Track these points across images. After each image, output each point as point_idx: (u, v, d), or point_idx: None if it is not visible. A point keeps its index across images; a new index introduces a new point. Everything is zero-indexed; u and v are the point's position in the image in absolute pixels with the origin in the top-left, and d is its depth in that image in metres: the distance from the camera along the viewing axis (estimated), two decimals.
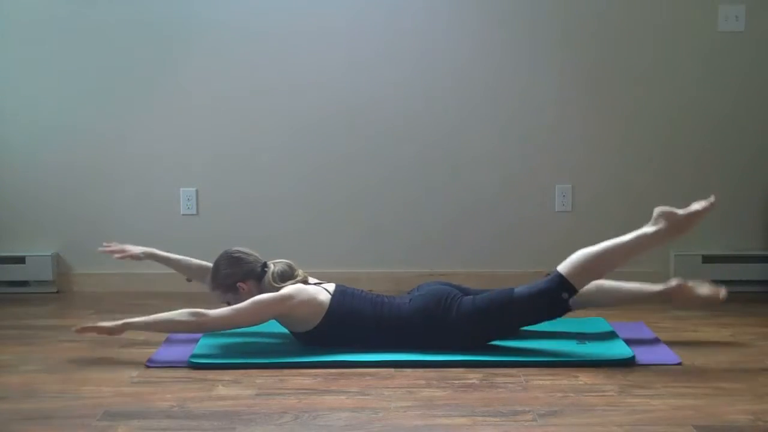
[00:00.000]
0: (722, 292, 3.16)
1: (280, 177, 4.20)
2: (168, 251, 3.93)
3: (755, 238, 4.18)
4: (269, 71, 4.15)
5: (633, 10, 4.09)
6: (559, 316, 3.01)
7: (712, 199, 3.01)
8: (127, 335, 3.31)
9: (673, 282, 3.20)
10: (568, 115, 4.16)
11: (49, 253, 4.20)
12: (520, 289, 2.99)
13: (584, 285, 2.99)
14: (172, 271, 4.13)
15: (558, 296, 2.95)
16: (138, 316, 3.02)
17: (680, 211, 2.99)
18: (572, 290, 2.95)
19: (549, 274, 2.99)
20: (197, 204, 4.22)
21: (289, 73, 4.14)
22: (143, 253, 3.37)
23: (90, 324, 3.01)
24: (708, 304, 3.23)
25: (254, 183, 4.21)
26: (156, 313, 3.03)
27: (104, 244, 3.43)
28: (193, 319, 2.95)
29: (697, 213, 3.00)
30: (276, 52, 4.14)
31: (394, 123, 4.17)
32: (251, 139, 4.18)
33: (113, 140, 4.19)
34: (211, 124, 4.18)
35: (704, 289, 3.18)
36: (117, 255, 3.38)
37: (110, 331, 2.98)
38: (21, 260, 4.19)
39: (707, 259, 4.13)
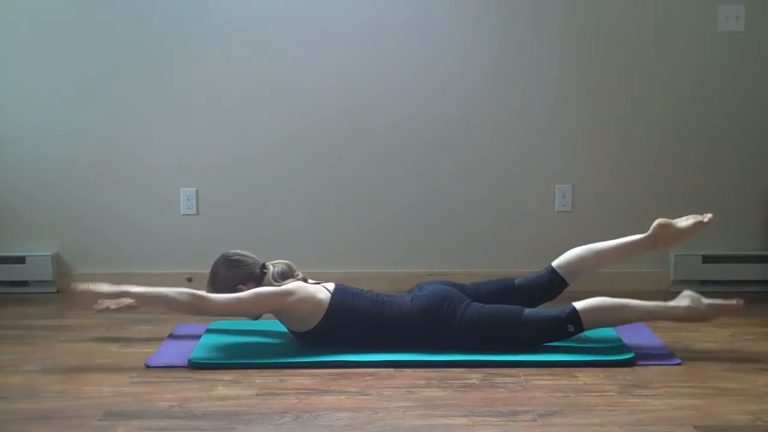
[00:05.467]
0: (707, 215, 3.15)
1: (280, 177, 4.20)
2: (168, 251, 3.95)
3: (755, 238, 4.18)
4: (269, 71, 4.15)
5: (633, 10, 4.09)
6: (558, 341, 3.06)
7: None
8: (128, 334, 3.32)
9: (655, 224, 3.18)
10: (568, 115, 4.16)
11: (49, 253, 4.20)
12: (529, 311, 3.01)
13: (591, 328, 3.02)
14: (170, 271, 4.16)
15: (564, 327, 2.99)
16: (139, 286, 2.93)
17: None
18: (579, 327, 2.99)
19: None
20: (197, 204, 4.22)
21: (289, 73, 4.14)
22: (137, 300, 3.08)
23: (90, 285, 2.92)
24: (695, 234, 3.20)
25: (254, 183, 4.21)
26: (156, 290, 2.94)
27: (99, 301, 3.20)
28: (192, 300, 2.89)
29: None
30: (276, 53, 4.14)
31: (394, 123, 4.17)
32: (251, 139, 4.18)
33: (113, 140, 4.19)
34: (211, 124, 4.18)
35: (689, 221, 3.17)
36: (112, 306, 3.21)
37: (108, 295, 2.92)
38: (21, 260, 4.18)
39: (707, 259, 4.13)
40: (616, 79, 4.13)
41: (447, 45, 4.13)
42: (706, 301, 3.05)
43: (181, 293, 2.91)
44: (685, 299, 3.06)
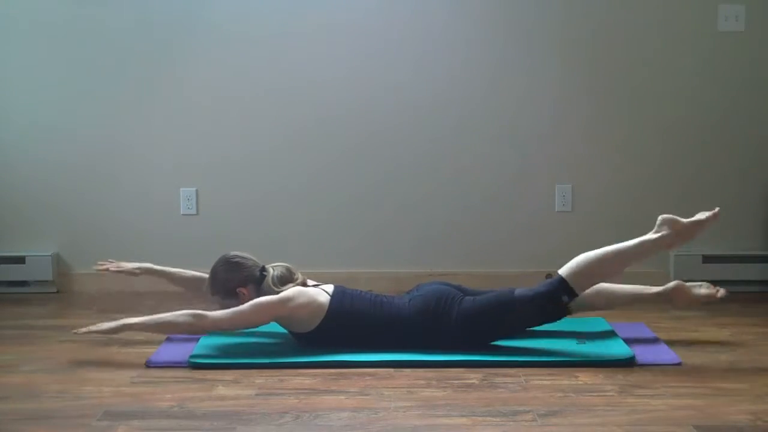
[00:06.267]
0: (720, 291, 3.18)
1: (280, 177, 4.20)
2: (168, 251, 3.94)
3: (755, 238, 4.18)
4: (269, 72, 4.15)
5: (633, 10, 4.09)
6: (559, 319, 3.02)
7: (716, 210, 3.02)
8: (128, 335, 3.32)
9: (672, 284, 3.22)
10: (568, 115, 4.16)
11: (49, 253, 4.20)
12: (520, 290, 3.00)
13: (585, 288, 3.00)
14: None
15: (558, 299, 2.95)
16: (137, 317, 3.03)
17: (684, 220, 3.01)
18: (572, 293, 2.96)
19: (550, 275, 3.00)
20: (197, 204, 4.22)
21: (289, 73, 4.15)
22: (138, 268, 3.39)
23: (90, 327, 3.02)
24: (707, 304, 3.25)
25: (254, 183, 4.21)
26: (154, 313, 3.06)
27: (99, 262, 3.44)
28: (192, 320, 2.96)
29: (701, 222, 3.01)
30: (276, 53, 4.14)
31: (394, 123, 4.17)
32: (251, 139, 4.19)
33: (113, 140, 4.19)
34: (211, 124, 4.18)
35: (702, 289, 3.21)
36: (112, 268, 3.38)
37: (110, 332, 3.00)
38: (21, 260, 4.19)
39: (707, 259, 4.13)
40: (616, 79, 4.13)
41: (447, 45, 4.13)
42: (684, 220, 2.99)
43: (180, 316, 2.97)
44: (663, 226, 3.00)
